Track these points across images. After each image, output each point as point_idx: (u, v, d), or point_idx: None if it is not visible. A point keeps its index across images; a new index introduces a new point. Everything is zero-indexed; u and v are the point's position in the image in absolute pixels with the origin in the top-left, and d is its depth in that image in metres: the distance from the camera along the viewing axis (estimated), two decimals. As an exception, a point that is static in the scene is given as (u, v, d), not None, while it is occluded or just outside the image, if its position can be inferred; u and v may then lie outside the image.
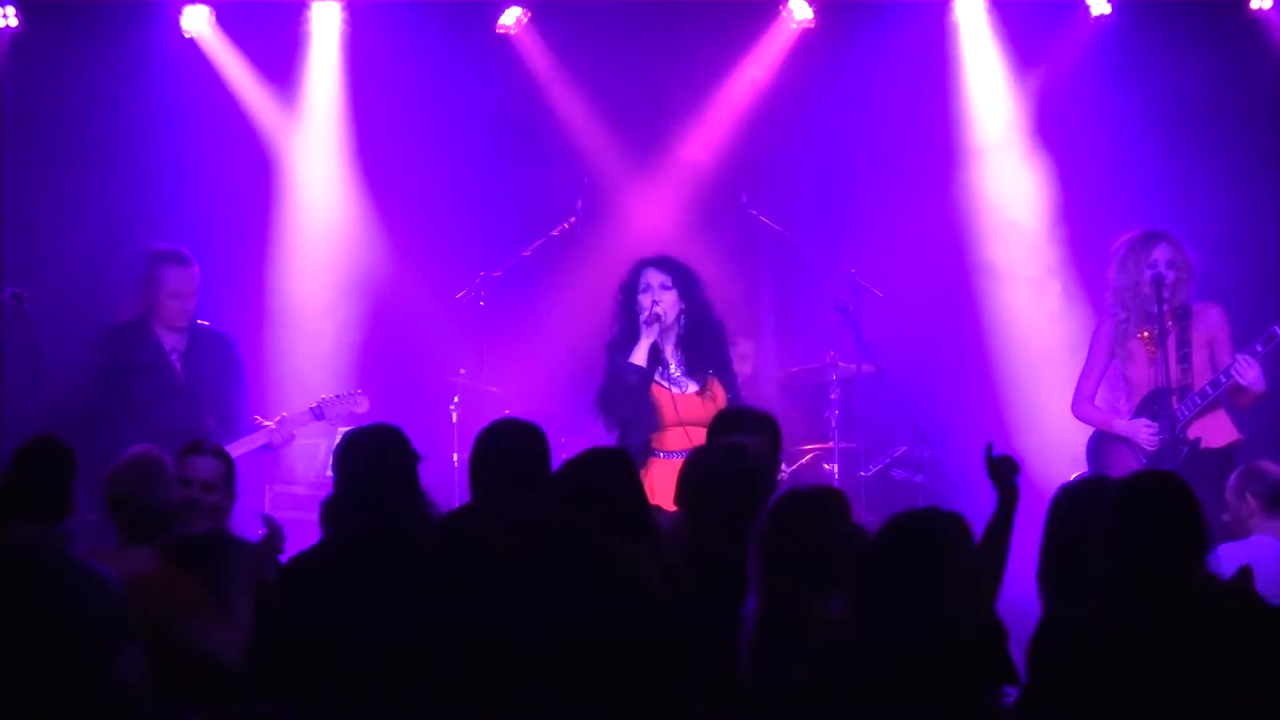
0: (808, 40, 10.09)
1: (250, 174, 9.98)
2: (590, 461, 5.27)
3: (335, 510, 5.33)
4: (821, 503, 4.95)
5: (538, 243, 9.64)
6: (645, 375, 7.69)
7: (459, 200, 10.08)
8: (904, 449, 9.18)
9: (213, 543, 5.97)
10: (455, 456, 8.99)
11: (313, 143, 10.12)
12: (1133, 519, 4.59)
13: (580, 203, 9.78)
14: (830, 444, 9.13)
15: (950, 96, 10.09)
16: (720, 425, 6.34)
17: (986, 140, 10.08)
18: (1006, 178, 10.06)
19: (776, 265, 10.23)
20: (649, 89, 10.16)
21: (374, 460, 5.30)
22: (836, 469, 9.01)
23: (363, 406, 8.76)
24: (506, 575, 4.84)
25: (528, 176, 10.06)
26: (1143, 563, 4.53)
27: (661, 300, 7.81)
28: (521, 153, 10.12)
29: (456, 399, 9.21)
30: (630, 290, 7.88)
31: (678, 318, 7.85)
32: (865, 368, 8.95)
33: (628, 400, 7.64)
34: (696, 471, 5.65)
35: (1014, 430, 9.75)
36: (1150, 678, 4.44)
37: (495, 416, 8.88)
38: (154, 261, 8.50)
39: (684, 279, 7.89)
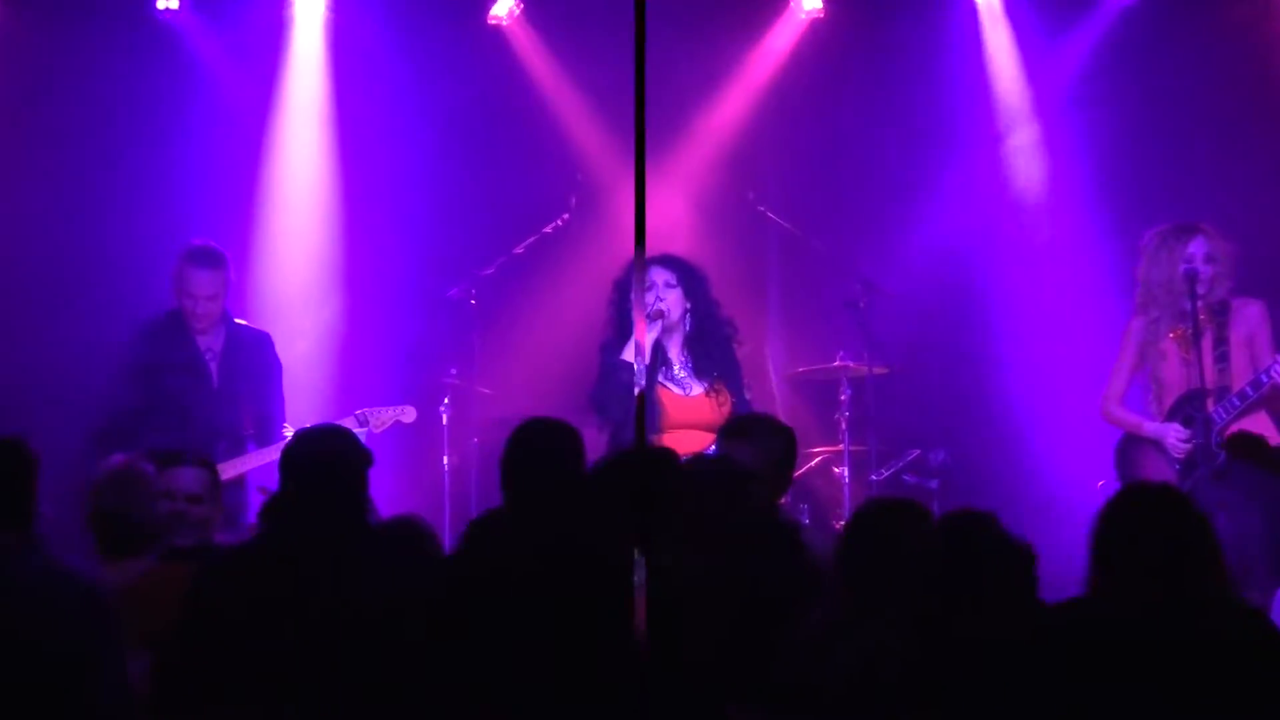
0: (816, 31, 10.00)
1: (233, 166, 9.84)
2: (623, 464, 5.13)
3: (282, 509, 5.12)
4: (902, 516, 4.91)
5: (530, 240, 9.50)
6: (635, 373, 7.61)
7: (449, 196, 9.97)
8: (917, 453, 9.02)
9: (200, 555, 5.81)
10: (445, 460, 8.85)
11: (297, 135, 9.98)
12: (1117, 531, 4.47)
13: (574, 199, 9.65)
14: (840, 447, 8.94)
15: (964, 87, 9.94)
16: (728, 430, 6.35)
17: (1003, 131, 9.93)
18: (1025, 170, 9.90)
19: (784, 263, 10.12)
20: (649, 82, 9.89)
21: (327, 461, 5.10)
22: (846, 472, 8.84)
23: (409, 417, 8.56)
24: (531, 582, 4.74)
25: (520, 172, 9.96)
26: (1128, 572, 4.41)
27: (666, 299, 7.78)
28: (513, 148, 10.02)
29: (446, 400, 9.00)
30: (628, 288, 7.79)
31: (683, 317, 7.83)
32: (876, 368, 8.81)
33: (620, 400, 7.59)
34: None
35: (1031, 432, 9.61)
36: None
37: (486, 417, 8.81)
38: (181, 259, 8.32)
39: (689, 277, 7.87)
